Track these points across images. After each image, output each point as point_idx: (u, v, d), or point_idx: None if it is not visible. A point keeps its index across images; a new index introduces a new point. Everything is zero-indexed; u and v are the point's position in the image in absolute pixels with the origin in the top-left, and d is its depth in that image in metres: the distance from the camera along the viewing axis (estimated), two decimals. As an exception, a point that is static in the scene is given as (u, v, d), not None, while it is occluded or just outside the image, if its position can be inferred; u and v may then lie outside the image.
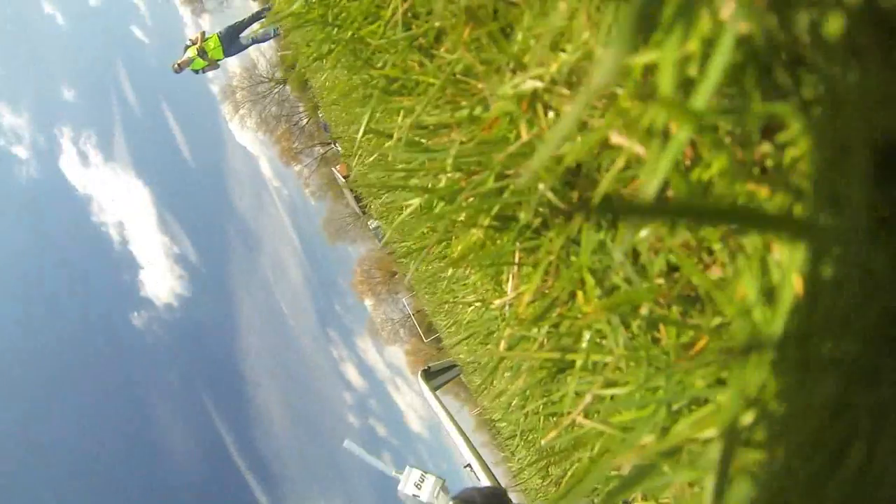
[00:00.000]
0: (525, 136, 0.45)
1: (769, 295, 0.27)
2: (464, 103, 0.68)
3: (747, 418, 0.30)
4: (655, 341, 0.53)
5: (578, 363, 0.65)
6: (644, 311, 0.51)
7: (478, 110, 0.64)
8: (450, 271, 0.94)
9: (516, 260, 0.57)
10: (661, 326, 0.55)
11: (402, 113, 0.77)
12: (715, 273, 0.42)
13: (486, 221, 0.54)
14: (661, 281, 0.47)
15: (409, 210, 0.67)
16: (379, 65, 0.76)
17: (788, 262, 0.25)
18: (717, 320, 0.44)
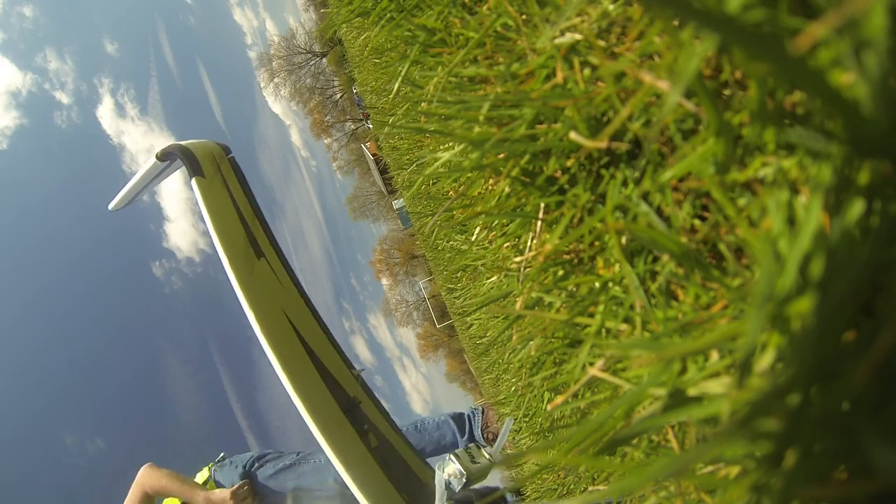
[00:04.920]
0: (560, 79, 0.45)
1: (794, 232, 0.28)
2: (501, 59, 0.68)
3: (764, 359, 0.31)
4: (673, 303, 0.53)
5: (593, 329, 0.65)
6: (663, 271, 0.51)
7: (514, 66, 0.64)
8: (473, 236, 0.94)
9: (540, 215, 0.57)
10: (679, 292, 0.56)
11: (440, 68, 0.77)
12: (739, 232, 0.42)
13: (515, 172, 0.54)
14: (684, 240, 0.47)
15: (439, 162, 0.67)
16: (421, 18, 0.76)
17: (814, 195, 0.25)
18: (737, 281, 0.44)
